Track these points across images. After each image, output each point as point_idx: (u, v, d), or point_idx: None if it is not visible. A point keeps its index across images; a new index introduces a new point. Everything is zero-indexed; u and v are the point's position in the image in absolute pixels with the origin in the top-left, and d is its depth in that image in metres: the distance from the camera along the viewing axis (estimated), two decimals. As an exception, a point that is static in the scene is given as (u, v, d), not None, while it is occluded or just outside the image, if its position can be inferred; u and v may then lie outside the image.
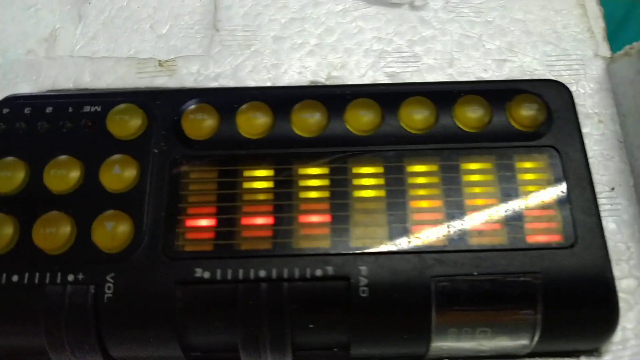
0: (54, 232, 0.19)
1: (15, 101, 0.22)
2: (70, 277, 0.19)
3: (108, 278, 0.19)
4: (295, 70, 0.24)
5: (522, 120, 0.21)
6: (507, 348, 0.20)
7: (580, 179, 0.20)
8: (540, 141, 0.21)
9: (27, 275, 0.19)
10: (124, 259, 0.19)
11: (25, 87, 0.24)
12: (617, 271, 0.21)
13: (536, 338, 0.19)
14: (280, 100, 0.21)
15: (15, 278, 0.19)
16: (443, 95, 0.21)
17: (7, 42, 0.32)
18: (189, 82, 0.24)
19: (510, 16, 0.26)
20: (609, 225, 0.22)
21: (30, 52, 0.27)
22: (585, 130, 0.23)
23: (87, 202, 0.20)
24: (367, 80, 0.24)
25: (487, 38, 0.25)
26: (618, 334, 0.21)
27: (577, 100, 0.24)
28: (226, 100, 0.21)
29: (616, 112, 0.24)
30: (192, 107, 0.21)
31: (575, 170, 0.20)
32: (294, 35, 0.25)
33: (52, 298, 0.19)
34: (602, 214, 0.22)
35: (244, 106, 0.21)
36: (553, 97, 0.21)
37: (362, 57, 0.25)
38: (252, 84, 0.24)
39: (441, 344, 0.19)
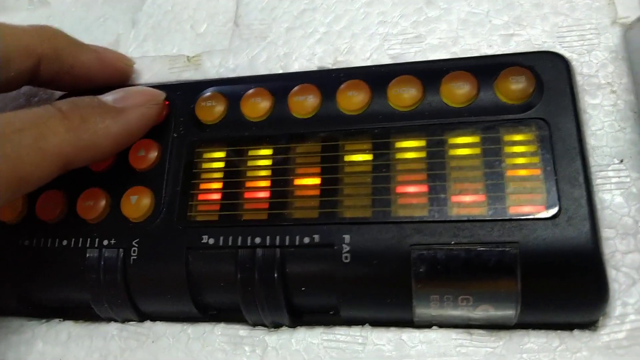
0: (93, 205, 0.23)
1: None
2: (105, 242, 0.23)
3: (134, 243, 0.22)
4: (305, 58, 0.26)
5: (509, 93, 0.21)
6: (494, 317, 0.20)
7: (568, 150, 0.20)
8: (528, 113, 0.20)
9: (73, 240, 0.23)
10: (146, 227, 0.22)
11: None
12: (622, 245, 0.21)
13: (519, 308, 0.19)
14: (280, 86, 0.23)
15: (64, 242, 0.23)
16: (430, 73, 0.22)
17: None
18: (212, 75, 0.27)
19: (521, -11, 0.26)
20: (615, 198, 0.21)
21: None
22: (595, 101, 0.22)
23: (119, 179, 0.24)
24: (371, 63, 0.25)
25: (494, 14, 0.25)
26: (617, 309, 0.20)
27: (589, 71, 0.23)
28: (233, 88, 0.24)
29: (631, 82, 0.23)
30: (204, 95, 0.24)
31: (564, 141, 0.20)
32: (305, 25, 0.27)
33: (92, 260, 0.23)
34: (609, 187, 0.21)
35: (248, 92, 0.23)
36: (546, 68, 0.21)
37: (367, 41, 0.26)
38: (264, 72, 0.26)
39: (425, 311, 0.20)
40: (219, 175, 0.23)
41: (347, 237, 0.20)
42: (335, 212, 0.21)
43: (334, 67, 0.26)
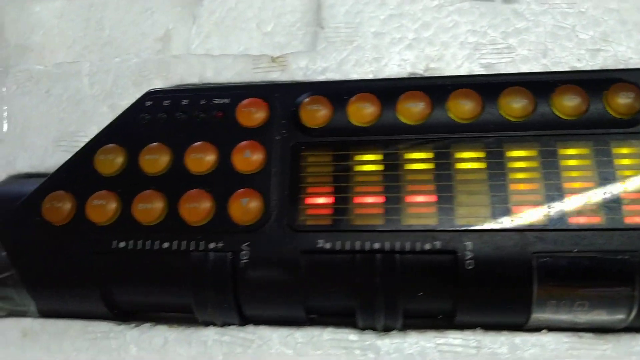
0: (197, 207, 0.23)
1: (154, 95, 0.25)
2: (212, 245, 0.22)
3: (243, 247, 0.22)
4: (395, 63, 0.26)
5: (618, 108, 0.22)
6: (603, 322, 0.21)
7: (679, 163, 0.21)
8: (637, 128, 0.22)
9: (175, 243, 0.22)
10: (256, 230, 0.22)
11: (158, 83, 0.27)
12: None
13: (633, 313, 0.21)
14: (386, 91, 0.24)
15: (165, 245, 0.23)
16: (541, 85, 0.22)
17: (128, 42, 0.37)
18: (299, 76, 0.27)
19: (604, 6, 0.27)
20: None
21: (159, 51, 0.30)
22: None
23: (222, 181, 0.23)
24: (463, 71, 0.26)
25: (580, 28, 0.26)
26: None
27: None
28: (337, 92, 0.24)
29: None
30: (308, 98, 0.24)
31: (674, 155, 0.21)
32: (393, 30, 0.27)
33: (197, 263, 0.22)
34: None
35: (354, 97, 0.23)
36: (651, 85, 0.22)
37: (458, 49, 0.26)
38: (356, 76, 0.26)
39: (540, 316, 0.21)
40: (328, 179, 0.23)
41: (469, 244, 0.21)
42: (454, 220, 0.21)
43: (427, 74, 0.26)
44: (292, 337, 0.23)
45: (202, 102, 0.25)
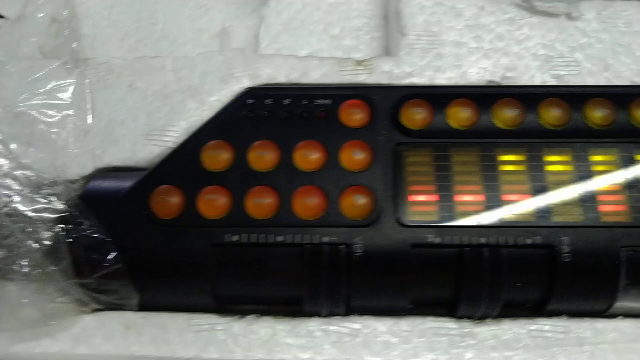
0: (309, 203, 0.24)
1: (255, 93, 0.26)
2: (325, 239, 0.23)
3: (356, 240, 0.23)
4: (474, 71, 0.28)
5: None
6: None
7: None
8: None
9: (289, 236, 0.23)
10: (368, 225, 0.23)
11: (245, 81, 0.28)
12: None
13: None
14: (482, 97, 0.25)
15: (279, 238, 0.23)
16: (620, 98, 0.25)
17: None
18: (384, 80, 0.28)
19: (656, 27, 0.30)
20: None
21: (243, 50, 0.30)
22: None
23: (332, 178, 0.24)
24: (537, 81, 0.28)
25: (636, 47, 0.29)
26: None
27: None
28: (436, 96, 0.25)
29: None
30: (409, 102, 0.25)
31: None
32: (470, 40, 0.29)
33: (312, 256, 0.23)
34: None
35: (453, 102, 0.25)
36: None
37: (530, 60, 0.29)
38: (438, 82, 0.28)
39: (622, 303, 0.24)
40: (430, 178, 0.24)
41: (566, 239, 0.23)
42: (550, 217, 0.23)
43: (503, 83, 0.28)
44: (397, 326, 0.24)
45: (305, 102, 0.26)
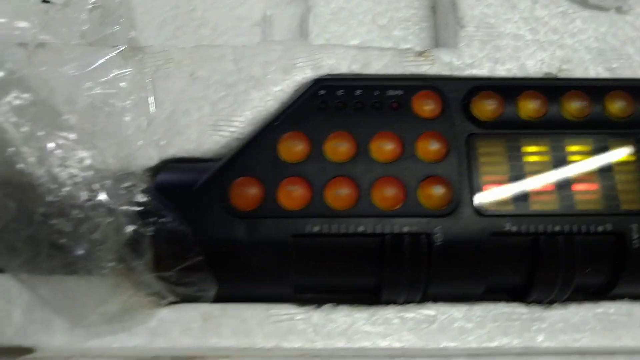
0: (389, 193, 0.24)
1: (326, 84, 0.26)
2: (406, 229, 0.24)
3: (436, 230, 0.24)
4: (532, 63, 0.29)
5: None
6: None
7: None
8: None
9: (369, 226, 0.24)
10: (447, 215, 0.24)
11: (308, 71, 0.28)
12: None
13: None
14: (550, 89, 0.26)
15: (360, 229, 0.24)
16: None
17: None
18: (445, 71, 0.28)
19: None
20: None
21: (304, 40, 0.30)
22: None
23: (409, 169, 0.24)
24: (592, 74, 0.29)
25: (681, 41, 0.30)
26: None
27: None
28: (506, 88, 0.26)
29: None
30: (480, 93, 0.26)
31: None
32: (526, 32, 0.30)
33: (392, 245, 0.23)
34: None
35: (523, 93, 0.26)
36: None
37: (584, 53, 0.29)
38: (499, 73, 0.28)
39: (683, 286, 0.25)
40: (503, 168, 0.25)
41: (634, 227, 0.24)
42: (619, 205, 0.24)
43: (560, 75, 0.29)
44: (471, 312, 0.25)
45: (376, 92, 0.26)
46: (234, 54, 0.29)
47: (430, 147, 0.25)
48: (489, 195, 0.24)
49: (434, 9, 0.34)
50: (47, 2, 0.30)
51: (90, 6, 0.29)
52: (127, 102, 0.27)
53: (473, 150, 0.25)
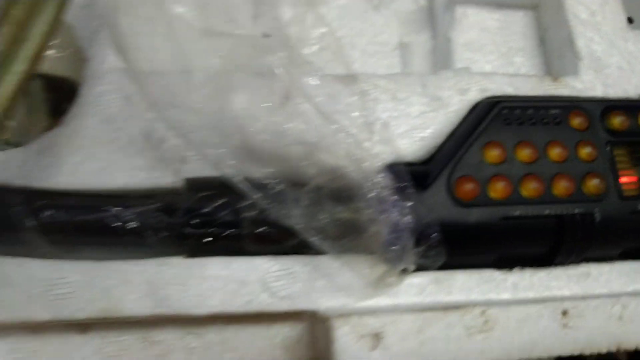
0: (564, 185, 0.33)
1: (506, 104, 0.35)
2: (577, 210, 0.33)
3: (596, 211, 0.33)
4: (631, 88, 0.39)
5: None
6: None
7: None
8: None
9: (552, 210, 0.33)
10: (601, 200, 0.33)
11: (477, 94, 0.36)
12: None
13: None
14: (656, 108, 0.36)
15: (546, 211, 0.33)
16: None
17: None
18: (574, 92, 0.38)
19: None
20: None
21: (467, 68, 0.38)
22: None
23: (574, 167, 0.34)
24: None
25: None
26: None
27: None
28: (629, 107, 0.36)
29: None
30: (613, 111, 0.35)
31: None
32: (624, 64, 0.39)
33: (570, 223, 0.33)
34: None
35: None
36: None
37: (664, 79, 0.40)
38: (610, 95, 0.38)
39: None
40: (633, 166, 0.35)
41: None
42: None
43: (652, 96, 0.39)
44: (611, 266, 0.35)
45: (542, 111, 0.35)
46: (421, 80, 0.37)
47: (586, 151, 0.34)
48: (625, 185, 0.34)
49: (542, 41, 0.44)
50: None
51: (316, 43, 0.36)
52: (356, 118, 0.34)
53: (612, 152, 0.35)
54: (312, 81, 0.33)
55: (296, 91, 0.28)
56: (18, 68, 0.25)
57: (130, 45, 0.28)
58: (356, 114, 0.34)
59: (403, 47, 0.44)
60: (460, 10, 0.43)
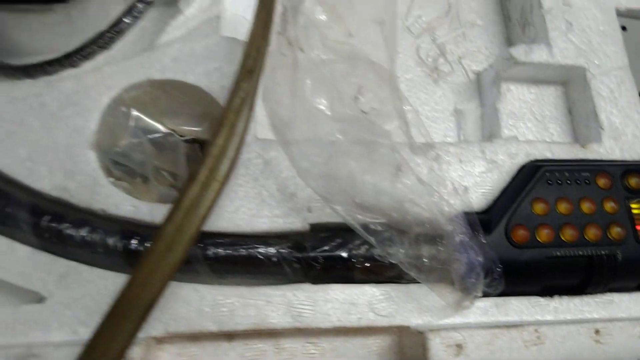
0: (593, 232, 0.43)
1: (548, 168, 0.45)
2: (603, 252, 0.43)
3: (617, 252, 0.43)
4: (642, 151, 0.49)
5: None
6: None
7: None
8: None
9: (581, 251, 0.42)
10: (622, 244, 0.43)
11: (524, 157, 0.46)
12: None
13: None
14: (663, 171, 0.46)
15: (579, 252, 0.42)
16: None
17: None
18: (597, 156, 0.48)
19: None
20: None
21: (514, 137, 0.49)
22: None
23: (601, 218, 0.44)
24: (674, 157, 0.50)
25: None
26: None
27: None
28: (642, 171, 0.46)
29: None
30: (631, 173, 0.45)
31: None
32: (638, 132, 0.50)
33: (598, 261, 0.42)
34: None
35: (652, 174, 0.46)
36: None
37: (668, 145, 0.50)
38: (626, 158, 0.48)
39: None
40: (649, 216, 0.45)
41: None
42: None
43: (658, 158, 0.49)
44: (632, 296, 0.44)
45: (575, 173, 0.45)
46: (480, 147, 0.47)
47: (610, 205, 0.44)
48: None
49: (570, 111, 0.54)
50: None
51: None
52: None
53: (629, 206, 0.45)
54: (412, 153, 0.43)
55: (405, 164, 0.38)
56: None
57: (281, 125, 0.38)
58: (442, 175, 0.44)
59: (458, 114, 0.55)
60: (504, 86, 0.53)
